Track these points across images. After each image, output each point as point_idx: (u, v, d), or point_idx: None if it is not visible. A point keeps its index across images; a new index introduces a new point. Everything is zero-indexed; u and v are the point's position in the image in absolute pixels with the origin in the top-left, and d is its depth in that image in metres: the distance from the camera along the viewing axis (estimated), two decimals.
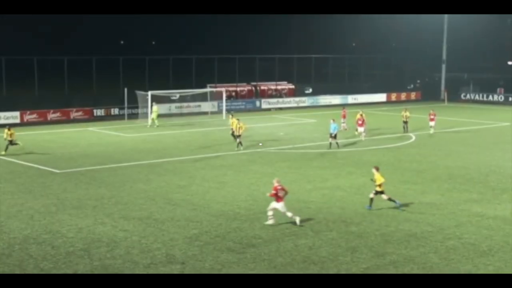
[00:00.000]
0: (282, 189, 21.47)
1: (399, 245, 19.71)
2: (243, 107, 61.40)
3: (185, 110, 57.30)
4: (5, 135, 36.02)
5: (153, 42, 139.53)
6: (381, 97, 70.99)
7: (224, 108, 54.65)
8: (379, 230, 21.22)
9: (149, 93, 49.85)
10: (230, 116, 41.94)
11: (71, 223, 21.90)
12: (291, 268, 17.74)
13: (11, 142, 35.78)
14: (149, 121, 48.73)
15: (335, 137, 37.59)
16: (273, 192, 21.44)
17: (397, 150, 38.06)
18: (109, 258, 18.40)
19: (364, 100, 68.63)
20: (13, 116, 49.31)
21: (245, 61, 68.05)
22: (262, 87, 65.37)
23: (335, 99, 67.38)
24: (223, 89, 57.08)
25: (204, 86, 59.60)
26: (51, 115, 51.04)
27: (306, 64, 71.25)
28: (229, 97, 59.80)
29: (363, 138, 41.31)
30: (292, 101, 65.04)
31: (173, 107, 56.43)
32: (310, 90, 68.45)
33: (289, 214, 21.52)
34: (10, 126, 38.10)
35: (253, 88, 64.66)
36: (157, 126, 47.95)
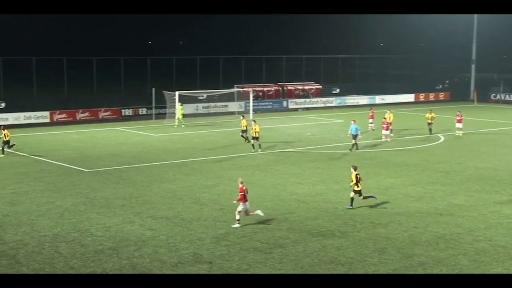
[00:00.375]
0: (246, 189, 21.50)
1: (427, 247, 19.50)
2: (270, 107, 61.40)
3: (212, 110, 57.55)
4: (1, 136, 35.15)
5: (181, 42, 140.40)
6: (409, 97, 70.38)
7: (251, 108, 54.66)
8: (407, 232, 21.04)
9: (177, 93, 50.10)
10: (242, 117, 41.68)
11: (100, 221, 22.13)
12: (318, 269, 17.67)
13: (7, 144, 34.84)
14: (176, 121, 49.01)
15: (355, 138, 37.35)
16: (241, 194, 21.37)
17: (425, 150, 37.69)
18: (137, 257, 18.54)
19: (392, 100, 68.08)
20: (43, 116, 49.98)
21: (272, 61, 68.06)
22: (289, 87, 65.26)
23: (363, 100, 67.02)
24: (250, 89, 57.11)
25: (231, 86, 59.76)
26: (80, 115, 51.61)
27: (333, 64, 71.01)
28: (256, 97, 59.80)
29: (388, 140, 40.91)
30: (319, 101, 64.84)
31: (200, 107, 56.76)
32: (338, 90, 68.17)
33: (236, 212, 21.48)
34: (5, 127, 36.32)
35: (280, 88, 64.57)
36: (184, 125, 48.18)
